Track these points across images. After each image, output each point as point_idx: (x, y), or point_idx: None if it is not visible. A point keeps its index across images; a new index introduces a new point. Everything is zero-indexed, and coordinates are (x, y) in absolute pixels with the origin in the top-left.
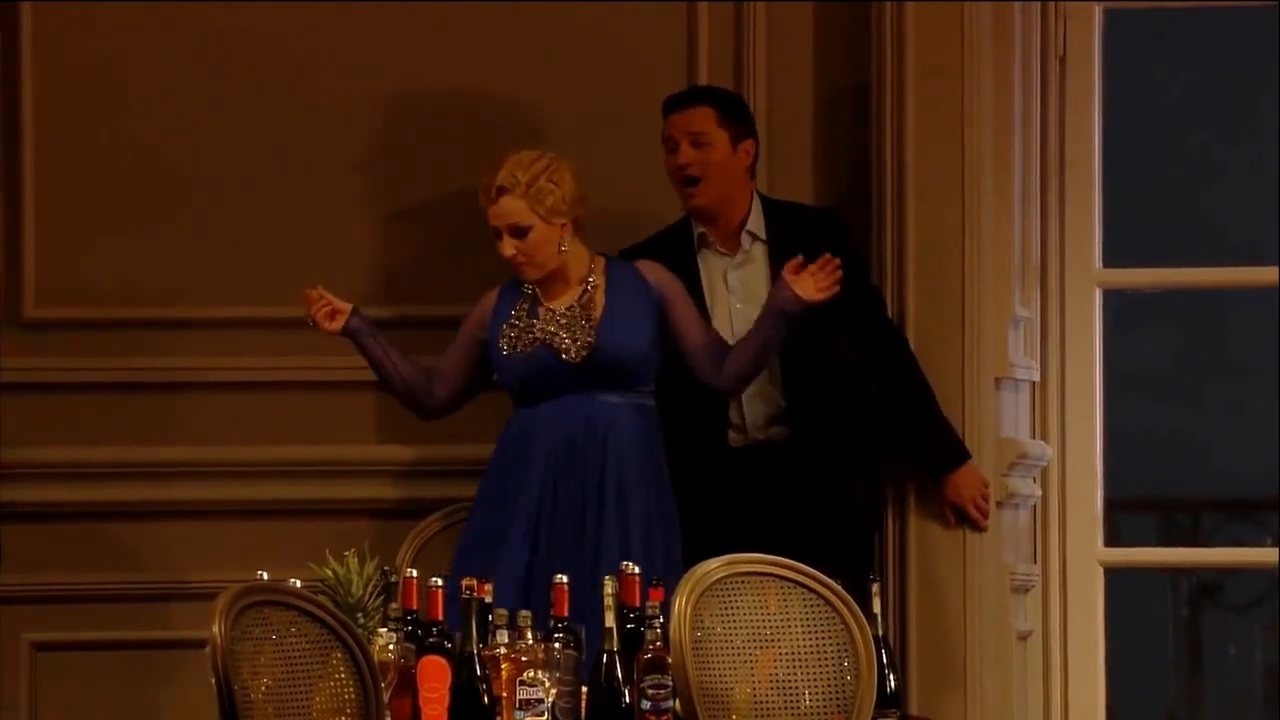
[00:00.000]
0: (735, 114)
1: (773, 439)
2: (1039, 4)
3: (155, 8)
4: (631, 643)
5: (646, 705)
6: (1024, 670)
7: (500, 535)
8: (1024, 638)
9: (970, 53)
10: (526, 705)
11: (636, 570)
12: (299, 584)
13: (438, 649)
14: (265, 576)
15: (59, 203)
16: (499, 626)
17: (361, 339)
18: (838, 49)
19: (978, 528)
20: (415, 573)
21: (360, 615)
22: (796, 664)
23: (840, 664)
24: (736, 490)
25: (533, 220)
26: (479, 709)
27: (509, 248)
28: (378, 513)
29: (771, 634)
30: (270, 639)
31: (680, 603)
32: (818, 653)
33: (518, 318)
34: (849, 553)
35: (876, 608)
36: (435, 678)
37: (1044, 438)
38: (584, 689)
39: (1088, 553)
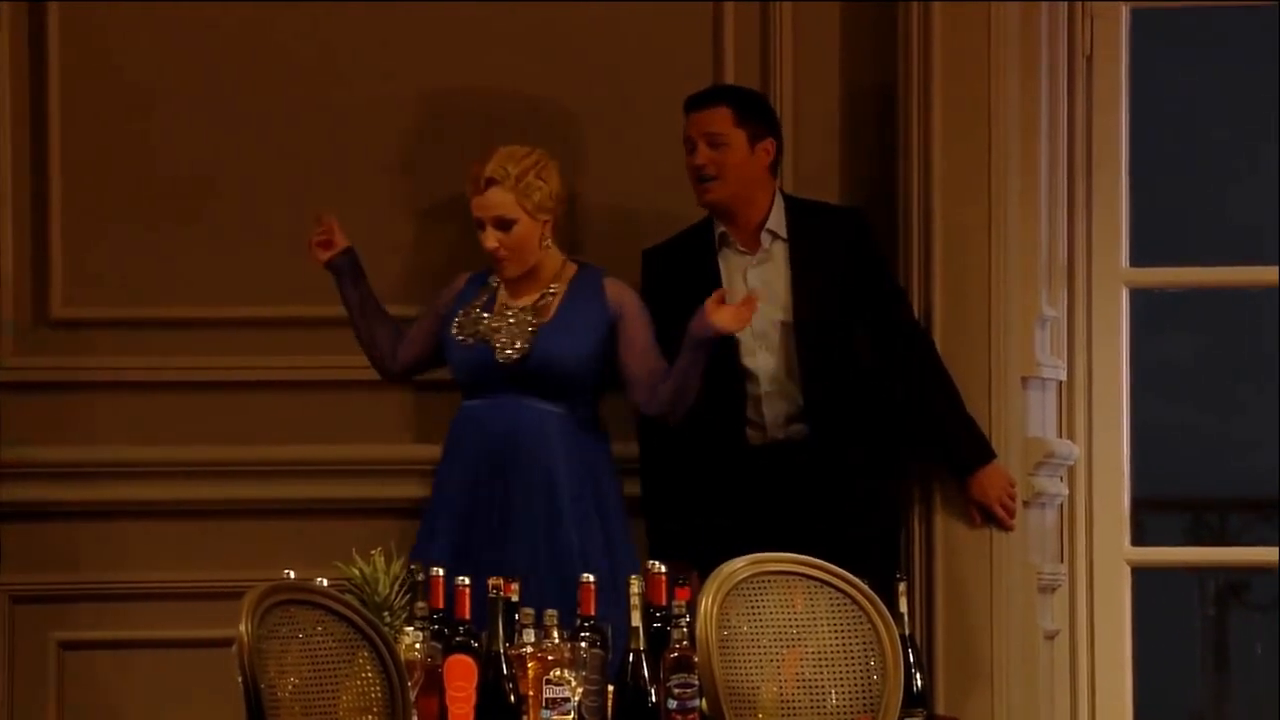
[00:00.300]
0: (754, 113)
1: (792, 437)
2: (1066, 3)
3: (181, 8)
4: (657, 642)
5: (673, 704)
6: (1050, 670)
7: (430, 533)
8: (1051, 637)
9: (997, 52)
10: (553, 704)
11: (663, 569)
12: (325, 583)
13: (464, 648)
14: (292, 575)
15: (86, 202)
16: (525, 625)
17: (341, 280)
18: (864, 48)
19: (1004, 527)
20: (441, 571)
21: (387, 614)
22: (823, 663)
23: (866, 663)
24: (756, 489)
25: (519, 214)
26: (505, 708)
27: (492, 240)
28: (405, 512)
29: (798, 633)
30: (297, 638)
31: (706, 602)
32: (844, 652)
33: (474, 307)
34: (870, 552)
35: (903, 607)
36: (462, 676)
37: (1071, 437)
38: (610, 688)
39: (1115, 552)
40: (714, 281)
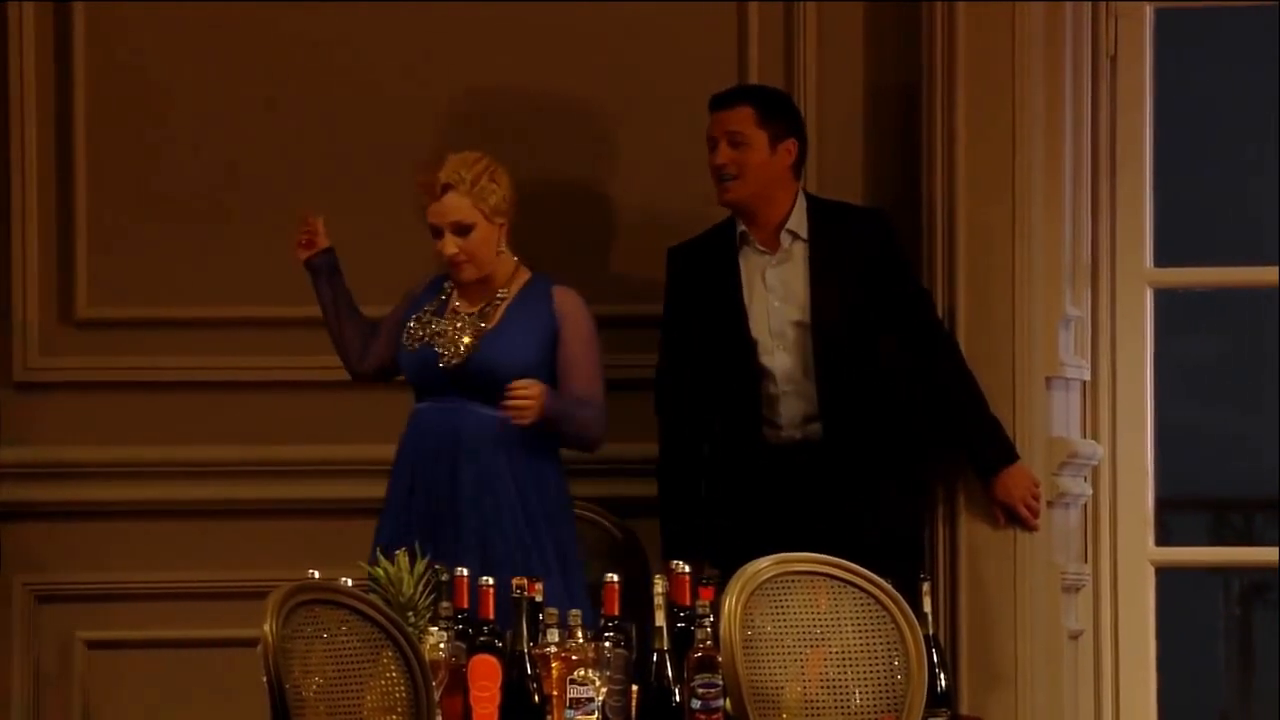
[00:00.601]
0: (777, 113)
1: (809, 437)
2: (1090, 3)
3: (205, 10)
4: (682, 642)
5: (697, 704)
6: (1075, 670)
7: (378, 534)
8: (1075, 637)
9: (1021, 52)
10: (577, 704)
11: (686, 569)
12: (350, 583)
13: (488, 647)
14: (316, 575)
15: (111, 203)
16: (549, 625)
17: (317, 278)
18: (888, 48)
19: (1028, 527)
20: (466, 571)
21: (411, 614)
22: (847, 663)
23: (891, 663)
24: (774, 488)
25: (476, 218)
26: (529, 708)
27: (452, 245)
28: None
29: (822, 633)
30: (321, 638)
31: (730, 602)
32: (868, 652)
33: (426, 311)
34: (891, 552)
35: (927, 607)
36: (486, 676)
37: (1095, 437)
38: (634, 688)
39: (1139, 552)
40: (734, 281)
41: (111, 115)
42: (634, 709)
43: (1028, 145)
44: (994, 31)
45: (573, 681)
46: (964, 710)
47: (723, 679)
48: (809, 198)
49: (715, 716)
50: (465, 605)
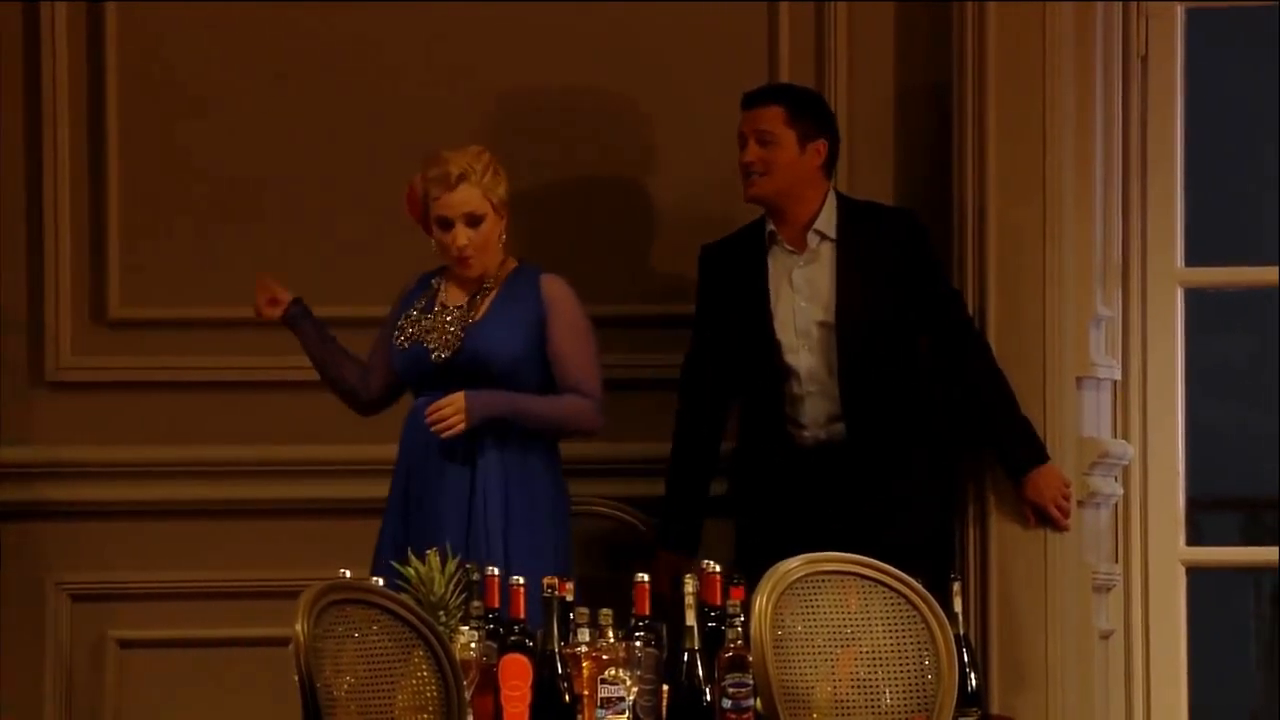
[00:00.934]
0: (807, 113)
1: (834, 437)
2: (1120, 4)
3: (239, 9)
4: (712, 641)
5: (727, 704)
6: (1105, 670)
7: (381, 532)
8: (1105, 637)
9: (1051, 52)
10: (608, 703)
11: (717, 568)
12: (381, 582)
13: (519, 647)
14: (348, 574)
15: (143, 203)
16: (580, 625)
17: (299, 330)
18: (918, 48)
19: (1058, 528)
20: (496, 571)
21: (442, 613)
22: (877, 663)
23: (921, 663)
24: (800, 487)
25: (486, 210)
26: (560, 707)
27: (463, 236)
28: None
29: (852, 633)
30: (352, 637)
31: (761, 601)
32: (898, 652)
33: (415, 310)
34: (919, 552)
35: (957, 607)
36: (517, 676)
37: (1125, 437)
38: (665, 687)
39: (1169, 552)
40: (762, 280)
41: (143, 116)
42: (664, 708)
43: (1058, 145)
44: (1024, 31)
45: (603, 681)
46: (994, 710)
47: (753, 678)
48: (840, 197)
49: (746, 716)
50: (496, 604)
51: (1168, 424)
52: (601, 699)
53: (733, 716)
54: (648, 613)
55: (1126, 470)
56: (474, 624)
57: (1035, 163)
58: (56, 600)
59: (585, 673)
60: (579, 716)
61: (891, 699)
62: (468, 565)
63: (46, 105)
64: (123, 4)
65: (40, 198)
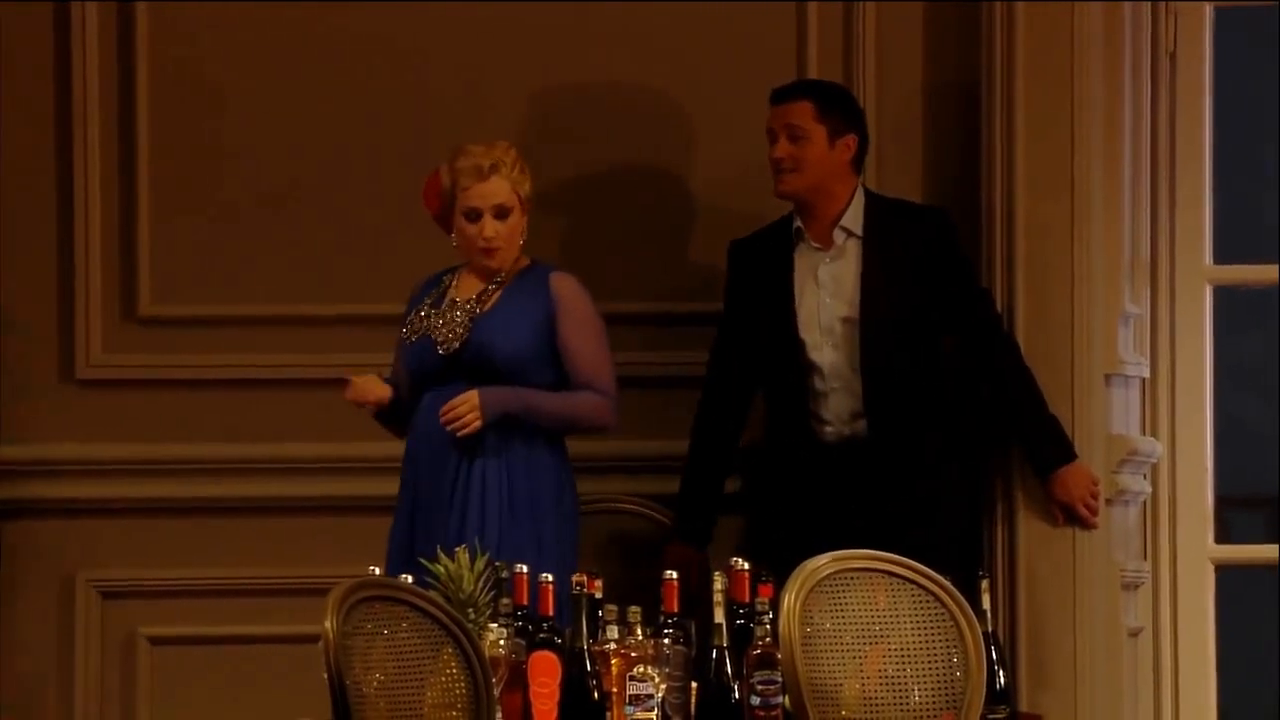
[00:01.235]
0: (836, 108)
1: (858, 434)
2: (1149, 2)
3: (268, 8)
4: (741, 639)
5: (756, 701)
6: (1134, 668)
7: (393, 529)
8: (1134, 635)
9: (1080, 50)
10: (637, 700)
11: (746, 566)
12: (410, 579)
13: (548, 644)
14: (377, 571)
15: (173, 200)
16: (609, 622)
17: (388, 419)
18: (947, 47)
19: (1087, 526)
20: (525, 568)
21: (471, 610)
22: (906, 660)
23: (949, 660)
24: (824, 484)
25: (514, 203)
26: (589, 704)
27: (490, 228)
28: None
29: (881, 630)
30: (382, 634)
31: (789, 599)
32: (927, 649)
33: (424, 307)
34: (944, 549)
35: (986, 604)
36: (546, 673)
37: (1154, 434)
38: (693, 684)
39: (1198, 550)
40: (788, 276)
41: (173, 114)
42: (693, 705)
43: (1087, 143)
44: (1053, 30)
45: (632, 678)
46: (1023, 707)
47: (782, 675)
48: (869, 194)
49: (774, 713)
50: (525, 602)
51: (1196, 421)
52: (630, 696)
53: (761, 713)
54: (676, 610)
55: (1155, 468)
56: (503, 621)
57: (1064, 161)
58: (87, 597)
59: (614, 670)
60: (608, 714)
61: (920, 696)
62: (497, 563)
63: (77, 105)
64: (153, 4)
65: (71, 196)
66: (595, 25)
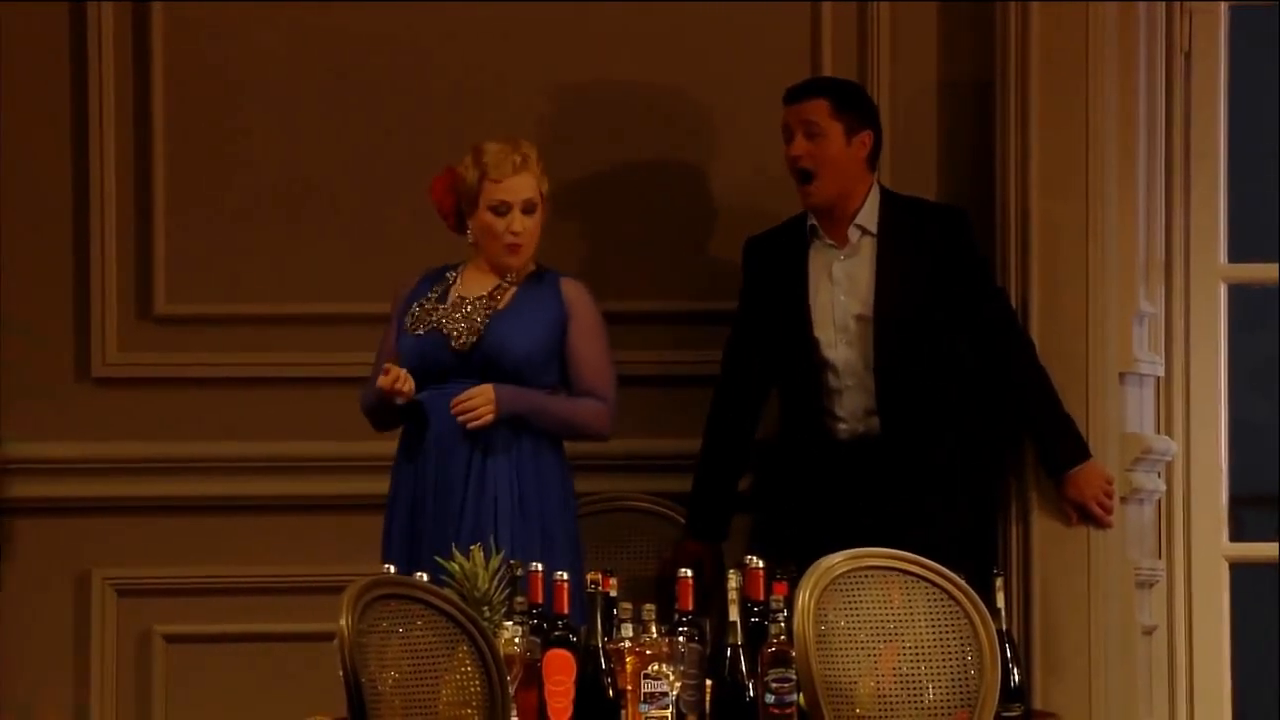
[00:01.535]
0: (851, 105)
1: (871, 431)
2: (1164, 1)
3: (285, 8)
4: (755, 637)
5: (770, 699)
6: (1148, 665)
7: (388, 529)
8: (1149, 633)
9: (1095, 49)
10: (651, 698)
11: (760, 564)
12: (425, 577)
13: (563, 642)
14: (392, 570)
15: (189, 199)
16: (624, 620)
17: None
18: (961, 46)
19: (1101, 525)
20: (540, 567)
21: (486, 608)
22: (920, 658)
23: (964, 658)
24: (838, 481)
25: (538, 200)
26: (604, 702)
27: (519, 223)
28: None
29: (895, 628)
30: (397, 632)
31: (804, 597)
32: (941, 647)
33: (429, 300)
34: (954, 546)
35: (1000, 602)
36: (561, 671)
37: (1168, 433)
38: (708, 682)
39: (1213, 548)
40: (802, 274)
41: (189, 114)
42: (708, 703)
43: (1101, 142)
44: (1068, 28)
45: (647, 676)
46: (1037, 705)
47: (796, 673)
48: (884, 192)
49: (789, 711)
50: (540, 600)
51: (1211, 420)
52: (645, 694)
53: (776, 711)
54: (691, 608)
55: (1169, 466)
56: (518, 619)
57: (1078, 159)
58: (103, 595)
59: (629, 668)
60: (623, 711)
61: (934, 694)
62: (511, 561)
63: (93, 104)
64: (169, 4)
65: (87, 195)
66: (608, 25)
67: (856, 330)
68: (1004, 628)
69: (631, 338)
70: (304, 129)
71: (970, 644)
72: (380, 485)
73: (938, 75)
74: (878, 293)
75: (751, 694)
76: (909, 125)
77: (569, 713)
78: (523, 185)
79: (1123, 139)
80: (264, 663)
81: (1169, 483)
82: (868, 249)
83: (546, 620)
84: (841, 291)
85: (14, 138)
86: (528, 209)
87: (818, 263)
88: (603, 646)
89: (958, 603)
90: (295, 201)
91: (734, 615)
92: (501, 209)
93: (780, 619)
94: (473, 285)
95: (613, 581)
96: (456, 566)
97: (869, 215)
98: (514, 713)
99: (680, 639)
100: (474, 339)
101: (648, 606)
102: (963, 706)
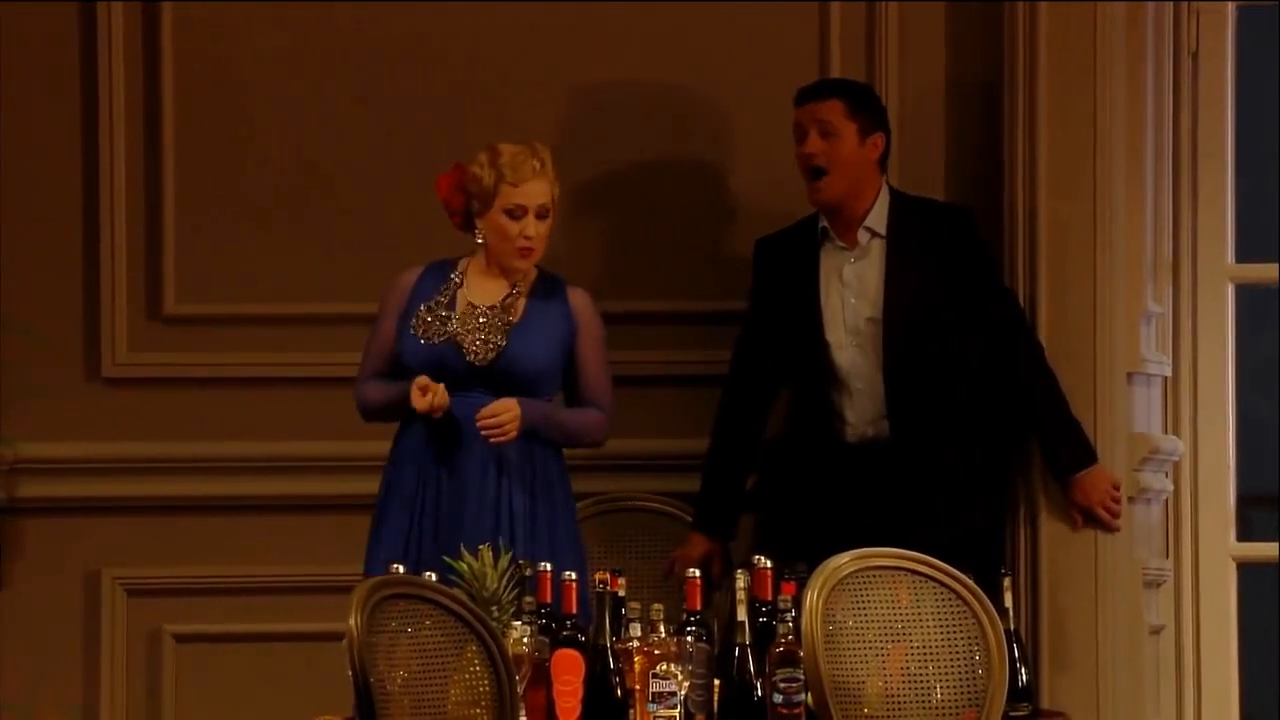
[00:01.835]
0: (865, 106)
1: (881, 434)
2: (1172, 2)
3: (294, 8)
4: (763, 636)
5: (778, 699)
6: (1156, 665)
7: (379, 532)
8: (1156, 632)
9: (1102, 49)
10: (659, 698)
11: (769, 564)
12: (434, 577)
13: (571, 642)
14: (401, 569)
15: (199, 200)
16: (632, 620)
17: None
18: (970, 46)
19: (1108, 529)
20: (549, 566)
21: (495, 608)
22: (928, 658)
23: (971, 658)
24: (848, 484)
25: (551, 205)
26: (612, 702)
27: (533, 228)
28: None
29: (903, 628)
30: (406, 632)
31: (812, 597)
32: (949, 647)
33: (438, 305)
34: (963, 547)
35: (1008, 602)
36: (569, 670)
37: (1176, 433)
38: (716, 682)
39: (1220, 548)
40: (813, 276)
41: (199, 114)
42: (716, 703)
43: (1109, 142)
44: (1076, 29)
45: (655, 675)
46: (1045, 705)
47: (804, 673)
48: (894, 193)
49: (797, 710)
50: (548, 600)
51: (1218, 420)
52: (653, 694)
53: (784, 711)
54: (699, 608)
55: (1177, 466)
56: (526, 619)
57: (1086, 159)
58: (113, 594)
59: (637, 667)
60: (631, 711)
61: (942, 694)
62: (520, 561)
63: (103, 104)
64: (178, 4)
65: (96, 195)
66: (615, 25)
67: (867, 333)
68: (1012, 627)
69: (641, 337)
70: (314, 129)
71: (978, 644)
72: None
73: (945, 75)
74: (887, 295)
75: (759, 694)
76: (917, 125)
77: (577, 712)
78: (539, 190)
79: (1130, 139)
80: (274, 662)
81: (1176, 483)
82: (877, 251)
83: (555, 620)
84: (851, 294)
85: (24, 138)
86: (541, 214)
87: (828, 265)
88: (611, 646)
89: (965, 603)
90: (305, 202)
91: (742, 615)
92: (517, 213)
93: (788, 619)
94: (481, 291)
95: (621, 581)
96: (465, 566)
97: (878, 218)
98: (522, 712)
99: (688, 639)
100: (492, 355)
101: (655, 606)
102: (970, 706)
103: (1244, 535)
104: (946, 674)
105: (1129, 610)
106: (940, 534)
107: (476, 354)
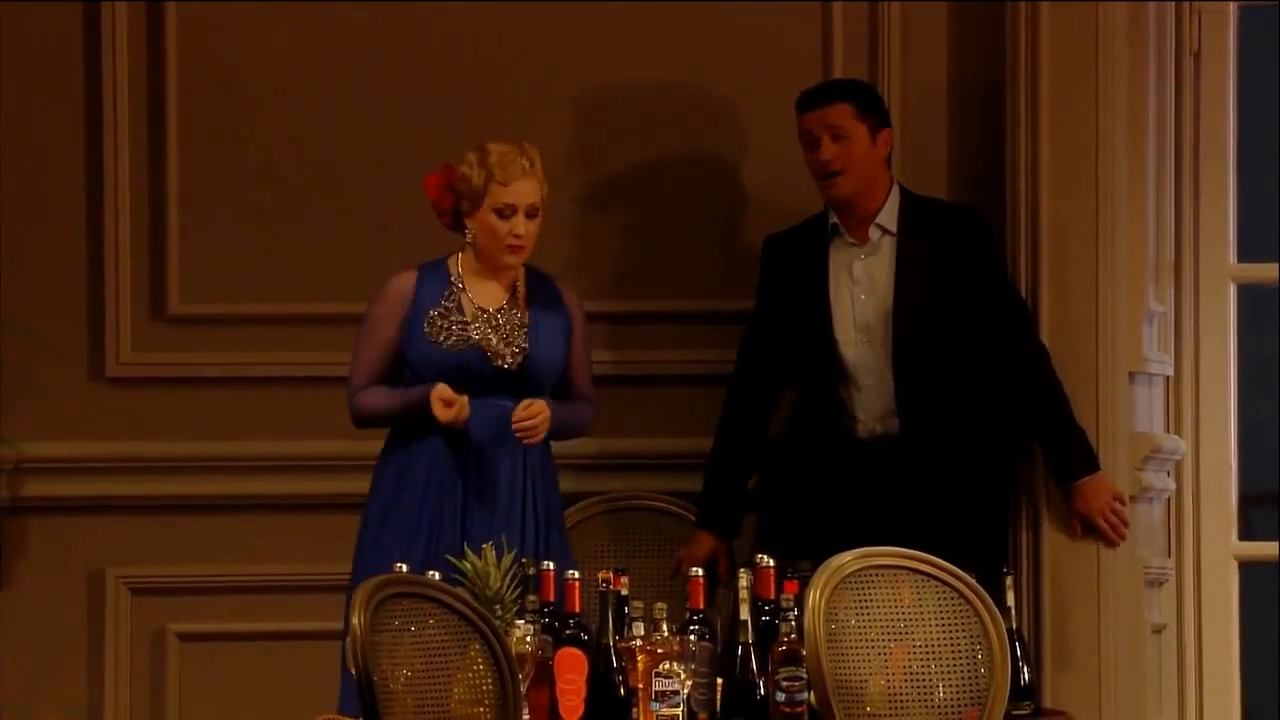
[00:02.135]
0: (871, 106)
1: (890, 431)
2: (1174, 2)
3: (298, 7)
4: (766, 635)
5: (781, 697)
6: (1158, 664)
7: (379, 533)
8: (1158, 631)
9: (1104, 49)
10: (662, 697)
11: (771, 562)
12: (438, 576)
13: (574, 641)
14: (404, 569)
15: (203, 199)
16: (635, 618)
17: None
18: (972, 46)
19: (1107, 541)
20: (552, 565)
21: (498, 607)
22: (930, 657)
23: (974, 657)
24: (855, 481)
25: (540, 204)
26: (615, 700)
27: (523, 227)
28: None
29: (906, 627)
30: (409, 630)
31: (815, 595)
32: (951, 646)
33: (446, 309)
34: (968, 546)
35: (1010, 601)
36: (572, 669)
37: (1178, 432)
38: (719, 681)
39: (1222, 547)
40: (822, 273)
41: (203, 113)
42: (719, 702)
43: (1111, 141)
44: (1078, 29)
45: (658, 674)
46: (1047, 704)
47: (807, 672)
48: (904, 192)
49: (799, 709)
50: (551, 599)
51: (1220, 419)
52: (656, 692)
53: (786, 710)
54: (702, 607)
55: (1179, 465)
56: (529, 618)
57: (1088, 159)
58: (117, 593)
59: (640, 666)
60: (634, 710)
61: (945, 693)
62: (524, 560)
63: (107, 104)
64: (182, 3)
65: (101, 195)
66: (618, 26)
67: (877, 330)
68: (1014, 626)
69: (650, 336)
70: (318, 129)
71: (980, 642)
72: None
73: (948, 75)
74: (897, 292)
75: (762, 692)
76: (919, 125)
77: (580, 711)
78: (528, 189)
79: (1132, 139)
80: (278, 661)
81: (1178, 482)
82: (887, 248)
83: (558, 619)
84: (861, 291)
85: (28, 137)
86: (531, 213)
87: (838, 261)
88: (614, 645)
89: (968, 601)
90: (309, 202)
91: (745, 614)
92: (507, 211)
93: (791, 617)
94: (484, 294)
95: (624, 580)
96: (469, 565)
97: (889, 215)
98: (526, 711)
99: (691, 637)
100: (520, 359)
101: (658, 605)
102: (973, 705)
103: (1245, 534)
104: (949, 673)
105: (1131, 609)
106: (945, 533)
107: (500, 358)
